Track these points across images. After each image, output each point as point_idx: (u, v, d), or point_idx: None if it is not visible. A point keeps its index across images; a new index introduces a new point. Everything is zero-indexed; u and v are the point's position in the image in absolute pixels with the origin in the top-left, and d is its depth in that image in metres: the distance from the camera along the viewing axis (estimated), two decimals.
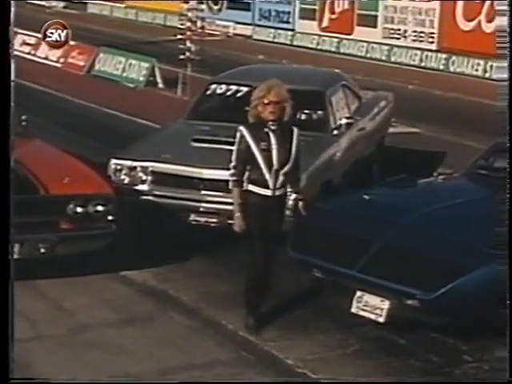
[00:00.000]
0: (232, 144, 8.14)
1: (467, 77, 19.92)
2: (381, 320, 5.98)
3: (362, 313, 6.07)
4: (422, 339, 6.09)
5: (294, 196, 6.29)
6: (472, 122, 13.85)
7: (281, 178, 6.02)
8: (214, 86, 9.43)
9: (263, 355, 5.90)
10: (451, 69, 20.69)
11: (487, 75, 19.63)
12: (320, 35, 24.81)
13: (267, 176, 5.98)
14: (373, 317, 6.02)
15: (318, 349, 5.92)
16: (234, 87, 9.30)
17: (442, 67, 20.97)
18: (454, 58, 20.69)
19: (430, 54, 21.50)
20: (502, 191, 6.80)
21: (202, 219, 7.88)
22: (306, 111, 8.92)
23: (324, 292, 6.69)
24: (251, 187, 6.04)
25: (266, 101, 5.97)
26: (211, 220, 7.87)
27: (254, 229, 6.02)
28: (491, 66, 19.54)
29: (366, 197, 6.86)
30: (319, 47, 24.50)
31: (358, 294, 6.11)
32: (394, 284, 5.87)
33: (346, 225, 6.48)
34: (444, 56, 21.04)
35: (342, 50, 23.85)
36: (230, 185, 6.12)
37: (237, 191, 6.07)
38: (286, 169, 6.02)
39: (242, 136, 6.03)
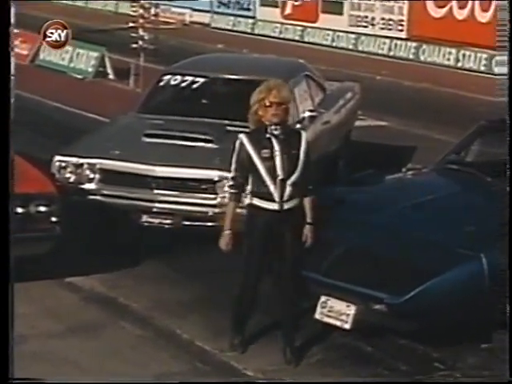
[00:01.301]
0: (187, 139, 8.21)
1: (438, 66, 20.08)
2: (346, 326, 5.97)
3: (326, 319, 6.06)
4: (391, 346, 6.09)
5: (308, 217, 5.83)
6: (444, 114, 13.96)
7: (288, 189, 5.69)
8: (167, 77, 9.37)
9: (221, 366, 5.86)
10: (422, 58, 20.84)
11: (459, 64, 19.82)
12: (283, 23, 24.85)
13: (271, 188, 5.68)
14: (338, 323, 6.00)
15: (279, 358, 5.89)
16: (189, 78, 9.25)
17: (411, 56, 21.12)
18: (424, 46, 20.85)
19: (399, 42, 21.64)
20: (474, 187, 6.87)
21: (155, 220, 7.82)
22: None
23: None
24: (256, 201, 5.75)
25: (267, 103, 5.71)
26: (165, 221, 7.82)
27: (254, 246, 5.78)
28: (464, 55, 19.72)
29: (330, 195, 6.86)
30: (282, 36, 24.54)
31: (323, 298, 6.09)
32: (361, 288, 5.87)
33: None
34: (414, 45, 21.19)
35: (306, 39, 23.91)
36: (227, 197, 5.90)
37: (232, 205, 5.81)
38: (293, 178, 5.70)
39: (242, 144, 5.77)
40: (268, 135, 5.75)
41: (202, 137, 8.18)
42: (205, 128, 8.36)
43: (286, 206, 5.73)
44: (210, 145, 8.16)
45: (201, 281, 7.25)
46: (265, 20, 25.38)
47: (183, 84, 9.25)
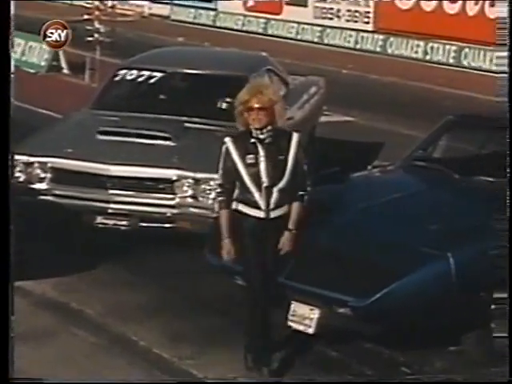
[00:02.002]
0: (143, 137, 8.15)
1: (406, 59, 20.18)
2: (310, 331, 5.95)
3: (289, 323, 6.03)
4: (356, 351, 6.09)
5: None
6: (411, 108, 14.02)
7: (275, 197, 5.62)
8: (123, 72, 9.33)
9: (180, 374, 5.83)
10: (389, 51, 20.93)
11: (428, 58, 19.93)
12: (245, 15, 24.83)
13: (256, 195, 5.60)
14: (301, 328, 5.98)
15: (240, 365, 5.85)
16: (146, 73, 9.22)
17: (378, 49, 21.20)
18: (391, 39, 20.94)
19: (365, 35, 21.71)
20: (441, 184, 6.88)
21: (110, 222, 7.79)
22: (228, 99, 8.85)
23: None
24: (241, 207, 5.68)
25: (250, 105, 5.63)
26: (121, 223, 7.78)
27: (248, 259, 5.69)
28: (432, 48, 19.84)
29: None
30: (245, 28, 24.51)
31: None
32: (325, 291, 5.84)
33: None
34: (381, 37, 21.27)
35: (269, 32, 23.91)
36: (216, 206, 5.83)
37: (224, 213, 5.69)
38: (280, 185, 5.62)
39: (228, 150, 5.69)
40: (253, 140, 5.67)
41: (159, 134, 8.14)
42: (162, 125, 8.31)
43: (272, 215, 5.66)
44: (167, 142, 8.12)
45: (158, 284, 7.20)
46: (227, 12, 25.34)
47: (140, 79, 9.20)
